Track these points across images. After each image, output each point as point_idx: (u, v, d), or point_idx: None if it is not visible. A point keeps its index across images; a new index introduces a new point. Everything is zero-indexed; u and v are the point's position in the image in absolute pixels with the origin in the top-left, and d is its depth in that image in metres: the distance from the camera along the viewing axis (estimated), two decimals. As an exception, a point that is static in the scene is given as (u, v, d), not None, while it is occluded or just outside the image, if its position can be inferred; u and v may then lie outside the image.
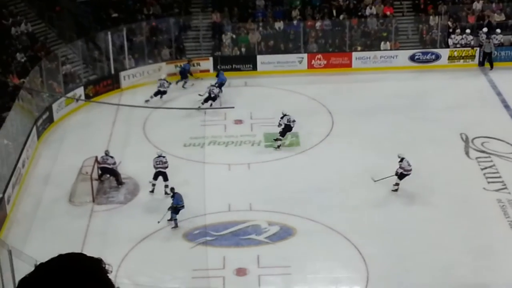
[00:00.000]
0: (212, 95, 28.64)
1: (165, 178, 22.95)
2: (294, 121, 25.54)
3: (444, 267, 19.27)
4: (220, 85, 29.62)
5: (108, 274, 2.65)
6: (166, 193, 22.72)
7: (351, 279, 19.62)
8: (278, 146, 25.68)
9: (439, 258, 19.64)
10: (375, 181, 22.87)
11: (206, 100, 28.62)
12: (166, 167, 22.95)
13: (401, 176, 22.70)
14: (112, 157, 23.63)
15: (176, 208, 21.30)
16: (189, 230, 21.26)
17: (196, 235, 21.07)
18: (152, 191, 23.09)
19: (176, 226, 21.34)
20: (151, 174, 23.05)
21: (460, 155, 25.16)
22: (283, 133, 25.67)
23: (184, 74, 31.32)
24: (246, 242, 20.84)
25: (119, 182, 23.52)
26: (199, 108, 28.31)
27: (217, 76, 30.21)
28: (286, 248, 20.43)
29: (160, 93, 29.68)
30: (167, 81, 30.12)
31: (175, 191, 21.66)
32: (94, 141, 25.98)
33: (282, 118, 25.64)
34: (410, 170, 22.58)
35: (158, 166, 22.91)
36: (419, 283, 18.88)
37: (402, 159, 22.65)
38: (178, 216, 21.30)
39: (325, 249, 20.37)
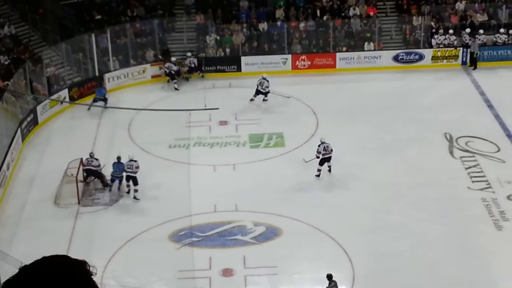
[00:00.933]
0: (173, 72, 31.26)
1: (135, 183, 22.91)
2: (267, 86, 28.99)
3: (429, 266, 19.37)
4: (94, 100, 29.28)
5: (92, 276, 2.67)
6: (134, 197, 22.85)
7: (337, 278, 19.54)
8: (251, 100, 29.31)
9: (424, 257, 19.74)
10: (306, 161, 23.75)
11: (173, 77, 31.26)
12: (136, 172, 22.84)
13: (321, 161, 23.41)
14: (97, 159, 23.61)
15: (112, 176, 23.15)
16: (175, 231, 21.26)
17: (181, 236, 21.07)
18: (128, 192, 23.15)
19: (105, 188, 23.32)
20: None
21: (444, 154, 25.27)
22: (255, 94, 29.26)
23: (172, 76, 31.41)
24: (232, 243, 20.86)
25: (104, 184, 23.50)
26: (184, 110, 28.28)
27: (96, 89, 29.82)
28: (272, 249, 20.47)
29: (168, 75, 31.31)
30: (174, 64, 31.41)
31: (121, 160, 22.97)
32: (79, 143, 25.89)
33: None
34: (327, 154, 23.36)
35: (128, 170, 22.94)
36: (404, 282, 18.95)
37: (320, 144, 23.43)
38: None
39: (311, 249, 20.41)
